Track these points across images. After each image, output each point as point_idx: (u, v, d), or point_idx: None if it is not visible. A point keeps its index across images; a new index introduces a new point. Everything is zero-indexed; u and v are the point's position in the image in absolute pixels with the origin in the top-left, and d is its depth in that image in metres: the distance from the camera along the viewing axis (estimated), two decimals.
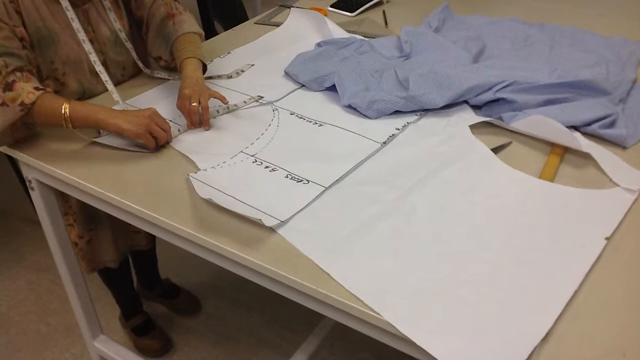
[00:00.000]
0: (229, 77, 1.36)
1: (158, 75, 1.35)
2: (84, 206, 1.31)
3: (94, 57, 1.19)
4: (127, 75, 1.35)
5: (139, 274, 1.82)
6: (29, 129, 1.15)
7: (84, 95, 1.26)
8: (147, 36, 1.33)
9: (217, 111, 1.21)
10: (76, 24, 1.16)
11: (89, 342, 1.53)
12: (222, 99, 1.17)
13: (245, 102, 1.25)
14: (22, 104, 1.04)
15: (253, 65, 1.41)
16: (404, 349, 0.75)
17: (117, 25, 1.26)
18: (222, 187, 0.97)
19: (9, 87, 1.05)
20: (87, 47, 1.17)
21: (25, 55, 1.11)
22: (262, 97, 1.26)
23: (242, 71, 1.39)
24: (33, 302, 1.94)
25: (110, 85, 1.21)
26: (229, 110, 1.22)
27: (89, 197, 1.06)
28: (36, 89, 1.06)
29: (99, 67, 1.19)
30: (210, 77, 1.35)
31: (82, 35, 1.16)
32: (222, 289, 1.95)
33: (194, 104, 1.14)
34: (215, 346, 1.76)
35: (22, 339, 1.81)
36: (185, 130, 1.16)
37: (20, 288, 2.00)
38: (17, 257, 2.13)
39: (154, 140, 1.08)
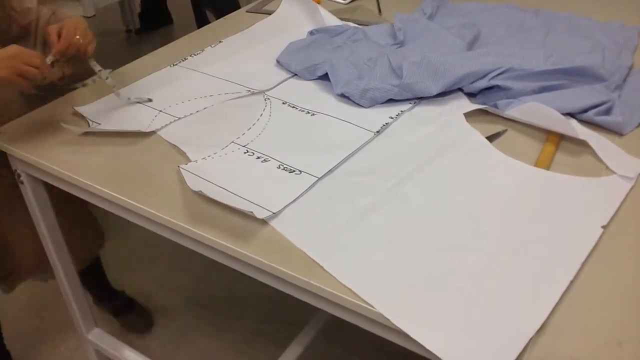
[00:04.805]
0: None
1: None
2: None
3: None
4: None
5: (88, 289, 1.68)
6: None
7: None
8: None
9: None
10: None
11: (83, 335, 1.52)
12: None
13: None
14: None
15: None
16: (399, 341, 0.74)
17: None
18: (213, 179, 0.96)
19: None
20: None
21: None
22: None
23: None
24: (27, 296, 1.92)
25: None
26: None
27: (79, 190, 1.04)
28: None
29: None
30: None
31: None
32: (217, 280, 1.94)
33: (77, 38, 1.05)
34: (211, 338, 1.75)
35: (17, 333, 1.80)
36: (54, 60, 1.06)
37: None
38: None
39: (25, 82, 0.99)
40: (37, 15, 1.20)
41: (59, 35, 1.06)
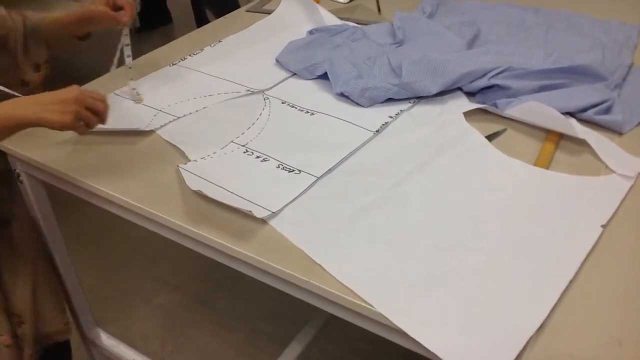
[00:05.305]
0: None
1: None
2: None
3: None
4: None
5: None
6: None
7: None
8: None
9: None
10: None
11: (83, 335, 1.52)
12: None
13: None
14: None
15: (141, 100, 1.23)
16: (398, 340, 0.74)
17: None
18: (212, 178, 0.96)
19: None
20: None
21: None
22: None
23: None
24: None
25: None
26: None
27: (79, 190, 1.04)
28: None
29: None
30: None
31: None
32: (217, 280, 1.95)
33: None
34: (212, 337, 1.76)
35: None
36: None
37: None
38: None
39: (86, 128, 0.94)
40: (13, 23, 1.13)
41: (112, 7, 1.04)
